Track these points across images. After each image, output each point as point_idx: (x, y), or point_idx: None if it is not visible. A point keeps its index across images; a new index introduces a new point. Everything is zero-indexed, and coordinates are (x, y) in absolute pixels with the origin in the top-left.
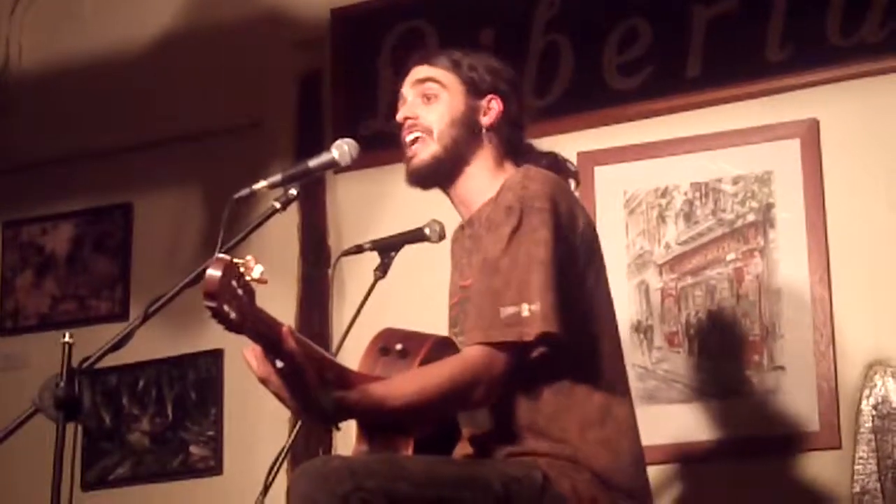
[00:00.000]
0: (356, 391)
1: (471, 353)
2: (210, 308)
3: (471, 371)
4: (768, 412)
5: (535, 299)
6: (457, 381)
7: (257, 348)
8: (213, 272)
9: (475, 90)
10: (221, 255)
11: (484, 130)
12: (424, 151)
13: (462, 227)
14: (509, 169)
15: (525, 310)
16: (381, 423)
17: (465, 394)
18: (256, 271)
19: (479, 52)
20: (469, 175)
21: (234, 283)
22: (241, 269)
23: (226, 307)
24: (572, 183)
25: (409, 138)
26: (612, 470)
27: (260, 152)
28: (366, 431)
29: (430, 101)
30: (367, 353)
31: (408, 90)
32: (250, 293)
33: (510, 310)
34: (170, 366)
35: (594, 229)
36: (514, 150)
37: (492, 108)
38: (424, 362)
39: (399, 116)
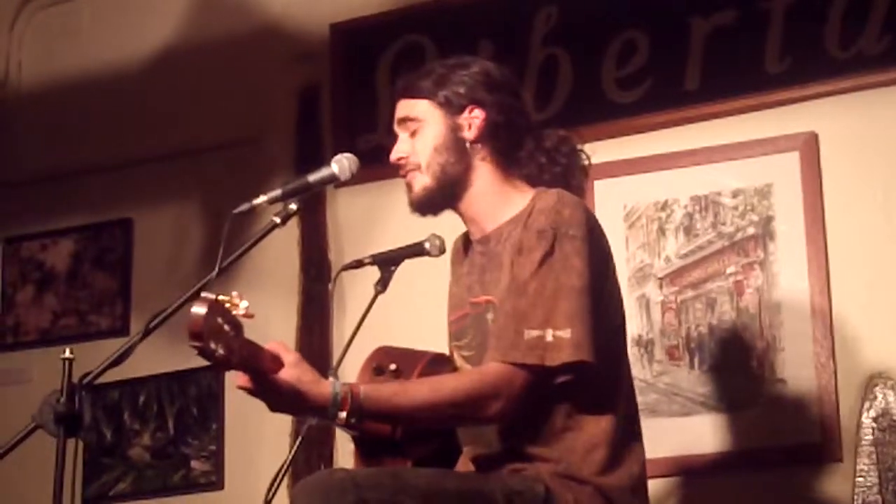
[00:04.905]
0: (365, 385)
1: (490, 368)
2: (195, 347)
3: (489, 384)
4: (769, 425)
5: (563, 326)
6: (472, 392)
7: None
8: (198, 311)
9: (453, 108)
10: (205, 294)
11: (470, 145)
12: (416, 185)
13: (468, 241)
14: (519, 184)
15: (549, 335)
16: (386, 421)
17: (478, 406)
18: (242, 306)
19: (464, 59)
20: (474, 195)
21: (219, 319)
22: (227, 306)
23: (212, 344)
24: (581, 174)
25: (407, 176)
26: (615, 488)
27: (259, 167)
28: (362, 452)
29: (415, 135)
30: (361, 372)
31: (396, 129)
32: (237, 328)
33: (534, 333)
34: (171, 381)
35: (612, 256)
36: (512, 154)
37: (474, 120)
38: None
39: (392, 158)
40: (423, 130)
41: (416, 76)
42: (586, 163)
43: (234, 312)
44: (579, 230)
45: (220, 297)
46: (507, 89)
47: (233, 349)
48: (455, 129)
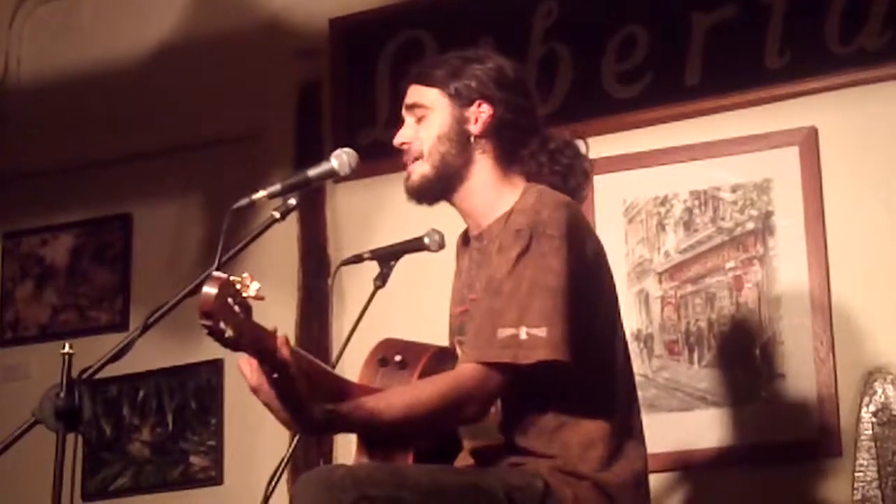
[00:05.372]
0: (347, 404)
1: (465, 370)
2: (206, 326)
3: (464, 388)
4: (768, 420)
5: (538, 324)
6: (448, 397)
7: (252, 359)
8: (209, 290)
9: (461, 100)
10: (217, 273)
11: (474, 139)
12: (415, 172)
13: (467, 237)
14: (516, 181)
15: (523, 333)
16: (374, 436)
17: (455, 409)
18: (253, 288)
19: (476, 52)
20: (471, 189)
21: (230, 300)
22: (238, 286)
23: (222, 325)
24: (582, 177)
25: (407, 162)
26: (614, 484)
27: (259, 162)
28: (365, 443)
29: (421, 121)
30: (366, 363)
31: (404, 113)
32: (247, 309)
33: (508, 331)
34: (170, 376)
35: (604, 255)
36: (514, 152)
37: (481, 114)
38: (423, 373)
39: (395, 142)
40: (429, 118)
41: (431, 64)
42: (588, 167)
43: (244, 294)
44: (557, 230)
45: (232, 278)
46: (519, 89)
47: (242, 331)
48: (461, 122)
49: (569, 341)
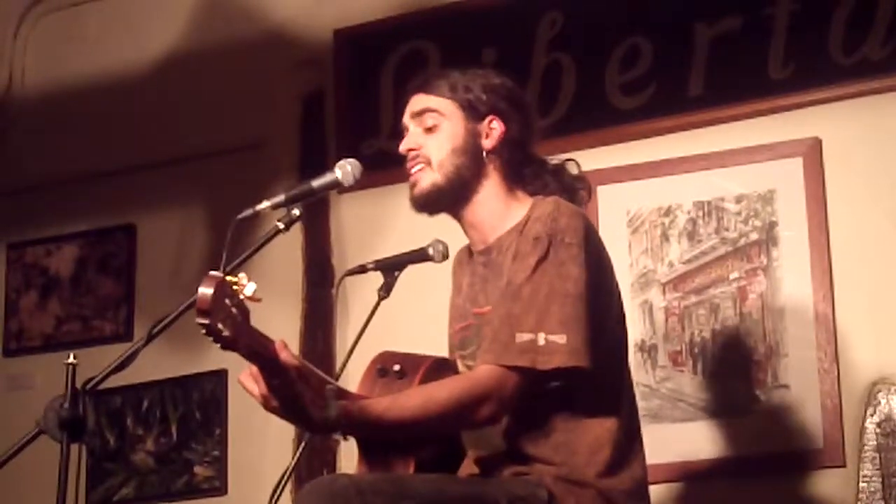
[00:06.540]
0: (358, 402)
1: (482, 371)
2: (202, 325)
3: (480, 388)
4: (772, 430)
5: (557, 331)
6: (464, 396)
7: (254, 369)
8: (205, 290)
9: (474, 113)
10: (213, 273)
11: (486, 154)
12: (425, 180)
13: (470, 252)
14: (521, 196)
15: (541, 339)
16: (383, 436)
17: (470, 410)
18: (249, 289)
19: (479, 70)
20: (478, 202)
21: (227, 300)
22: (234, 287)
23: (219, 325)
24: (584, 195)
25: (413, 169)
26: (618, 492)
27: (263, 173)
28: (365, 454)
29: (431, 131)
30: (365, 375)
31: (408, 121)
32: (244, 311)
33: (526, 336)
34: (174, 386)
35: (611, 265)
36: (519, 169)
37: (493, 130)
38: (422, 383)
39: (402, 148)
40: (441, 127)
41: (438, 76)
42: (589, 187)
43: (241, 295)
44: (575, 237)
45: (228, 278)
46: (524, 106)
47: (239, 331)
48: (475, 135)
49: (587, 348)
